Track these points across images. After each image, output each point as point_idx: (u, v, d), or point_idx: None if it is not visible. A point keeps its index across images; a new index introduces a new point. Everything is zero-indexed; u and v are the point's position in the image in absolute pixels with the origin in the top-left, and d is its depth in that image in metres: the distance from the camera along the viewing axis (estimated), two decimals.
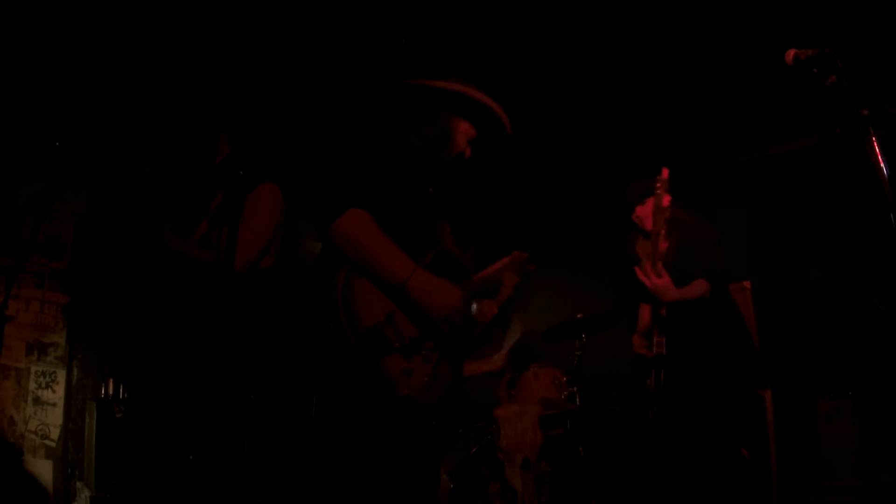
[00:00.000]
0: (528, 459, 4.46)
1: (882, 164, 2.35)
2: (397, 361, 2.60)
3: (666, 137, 5.95)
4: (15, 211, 5.29)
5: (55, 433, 5.22)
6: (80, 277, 5.52)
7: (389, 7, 4.98)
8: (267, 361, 3.57)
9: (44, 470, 5.10)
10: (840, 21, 4.58)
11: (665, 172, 3.84)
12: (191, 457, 3.27)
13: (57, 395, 5.31)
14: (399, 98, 3.08)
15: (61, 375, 5.35)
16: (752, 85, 5.31)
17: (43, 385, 5.26)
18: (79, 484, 5.03)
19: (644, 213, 4.37)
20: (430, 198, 2.97)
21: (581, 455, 4.63)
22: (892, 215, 2.29)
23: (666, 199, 3.84)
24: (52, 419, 5.25)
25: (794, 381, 5.09)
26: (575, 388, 4.91)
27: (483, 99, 2.91)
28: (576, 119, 6.17)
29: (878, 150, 2.37)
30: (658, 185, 3.87)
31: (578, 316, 5.01)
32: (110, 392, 5.15)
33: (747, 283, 5.23)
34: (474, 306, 2.84)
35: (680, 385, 3.96)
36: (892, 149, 2.42)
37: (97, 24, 4.93)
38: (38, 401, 5.23)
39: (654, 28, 5.16)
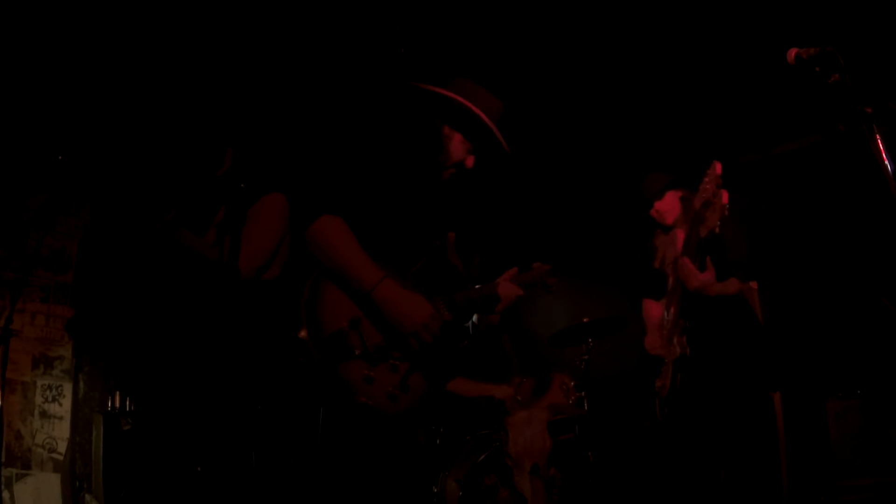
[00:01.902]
0: (538, 465, 4.45)
1: (886, 162, 2.34)
2: (358, 368, 2.55)
3: (669, 138, 5.94)
4: (19, 225, 5.30)
5: (62, 446, 5.22)
6: (85, 290, 5.52)
7: (394, 13, 4.99)
8: (273, 372, 3.57)
9: (52, 484, 5.10)
10: (842, 19, 4.57)
11: (718, 167, 3.71)
12: (199, 468, 3.27)
13: (64, 408, 5.31)
14: (395, 99, 3.09)
15: (68, 389, 5.35)
16: (755, 85, 5.30)
17: (49, 398, 5.26)
18: (87, 497, 5.02)
19: (663, 207, 4.31)
20: (426, 204, 2.94)
21: (590, 460, 4.61)
22: None
23: (725, 196, 3.69)
24: (60, 432, 5.25)
25: (803, 381, 5.07)
26: (583, 393, 4.90)
27: (475, 110, 2.88)
28: (579, 121, 6.17)
29: (881, 147, 2.36)
30: (710, 180, 3.73)
31: (585, 320, 4.99)
32: (117, 405, 5.16)
33: (754, 284, 5.21)
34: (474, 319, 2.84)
35: (698, 387, 3.92)
36: None
37: (99, 36, 4.94)
38: (44, 414, 5.23)
39: (656, 29, 5.16)
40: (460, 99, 2.88)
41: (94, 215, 5.67)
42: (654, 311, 4.29)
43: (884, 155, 2.35)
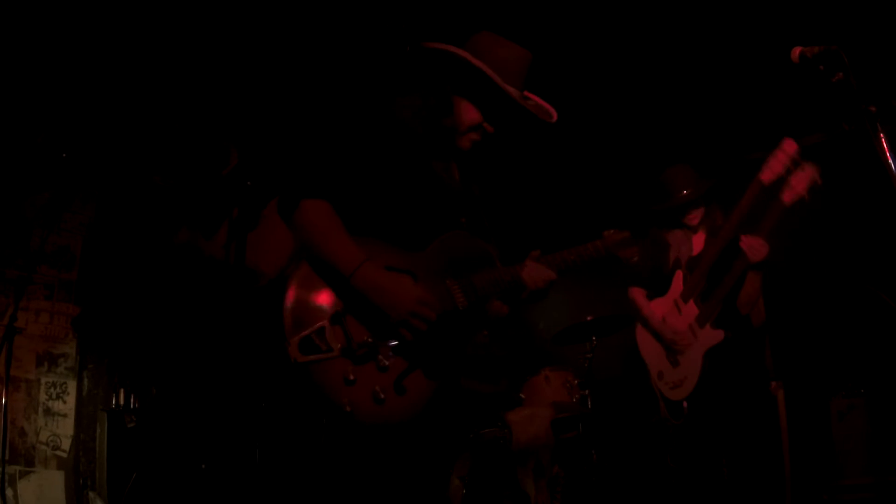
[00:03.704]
0: (541, 463, 4.45)
1: (890, 161, 2.34)
2: (338, 368, 2.20)
3: (674, 135, 5.94)
4: (23, 222, 5.31)
5: (66, 444, 5.22)
6: (89, 288, 5.53)
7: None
8: (278, 369, 3.58)
9: (56, 481, 5.10)
10: (846, 18, 4.57)
11: (794, 145, 3.76)
12: (203, 465, 3.27)
13: (68, 405, 5.32)
14: (397, 66, 2.85)
15: (72, 386, 5.36)
16: (759, 83, 5.30)
17: (53, 396, 5.27)
18: (91, 494, 5.03)
19: (695, 215, 4.31)
20: (440, 176, 2.60)
21: (594, 458, 4.61)
22: None
23: (815, 168, 3.77)
24: (64, 430, 5.25)
25: (807, 380, 5.06)
26: (587, 391, 4.90)
27: (507, 89, 2.50)
28: (586, 117, 6.16)
29: (885, 146, 2.37)
30: (785, 156, 3.76)
31: (588, 318, 4.99)
32: (121, 402, 5.16)
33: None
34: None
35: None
36: None
37: (103, 33, 4.95)
38: (48, 412, 5.23)
39: (662, 27, 5.16)
40: (461, 53, 2.47)
41: (99, 213, 5.68)
42: (655, 306, 4.30)
43: (887, 154, 2.35)
